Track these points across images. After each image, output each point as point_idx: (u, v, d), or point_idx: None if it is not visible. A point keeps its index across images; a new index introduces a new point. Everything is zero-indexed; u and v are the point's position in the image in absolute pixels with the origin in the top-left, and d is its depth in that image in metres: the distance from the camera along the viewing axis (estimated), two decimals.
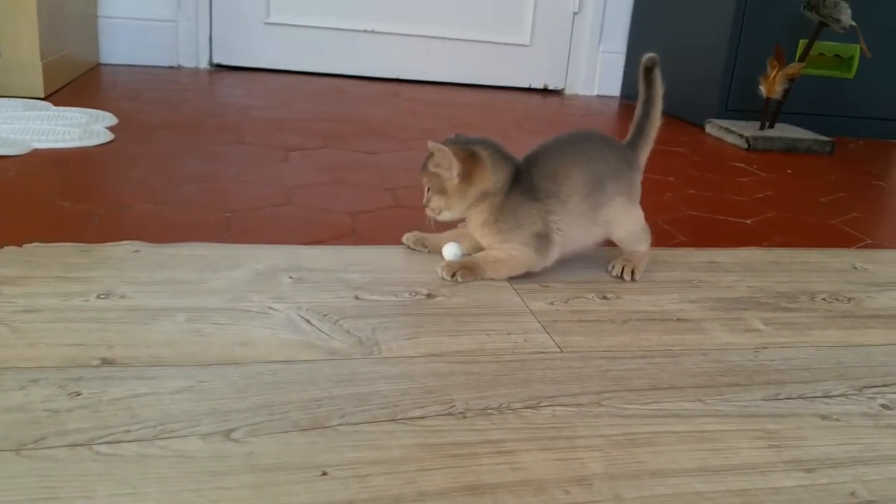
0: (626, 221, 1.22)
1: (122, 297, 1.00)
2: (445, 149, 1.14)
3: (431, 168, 1.17)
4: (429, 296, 1.10)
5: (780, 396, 0.92)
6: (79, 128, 1.82)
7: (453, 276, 1.16)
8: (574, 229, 1.19)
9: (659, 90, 1.27)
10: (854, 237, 1.60)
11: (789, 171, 2.17)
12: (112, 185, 1.47)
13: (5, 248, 1.12)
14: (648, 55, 1.25)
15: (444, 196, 1.17)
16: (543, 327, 1.04)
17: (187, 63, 2.94)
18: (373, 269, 1.18)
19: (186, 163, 1.67)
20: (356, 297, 1.07)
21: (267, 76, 2.94)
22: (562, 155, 1.19)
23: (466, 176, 1.15)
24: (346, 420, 0.78)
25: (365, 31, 3.05)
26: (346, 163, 1.80)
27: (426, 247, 1.27)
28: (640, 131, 1.27)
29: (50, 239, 1.17)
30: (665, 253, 1.37)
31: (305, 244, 1.26)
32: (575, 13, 3.22)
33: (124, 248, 1.16)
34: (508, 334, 1.01)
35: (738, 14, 2.57)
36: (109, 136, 1.79)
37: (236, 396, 0.80)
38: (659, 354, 0.99)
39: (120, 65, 2.85)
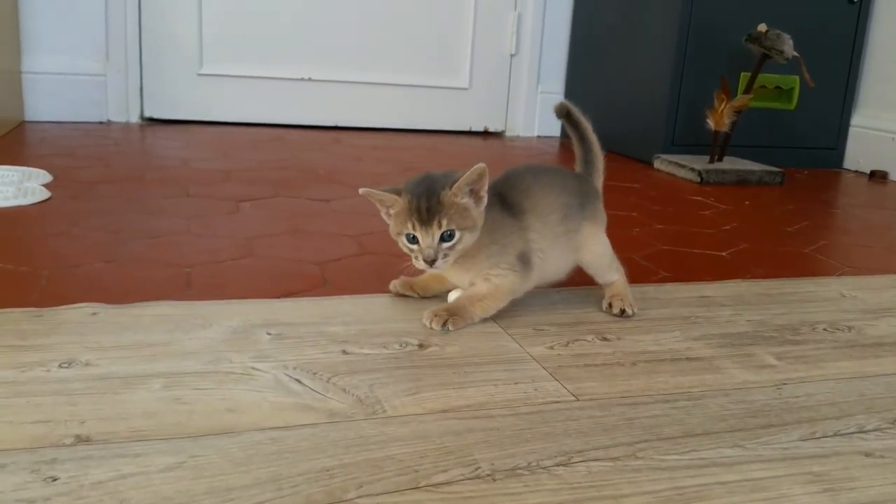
0: (595, 246, 1.19)
1: (87, 364, 0.88)
2: (475, 173, 1.02)
3: (458, 201, 1.03)
4: (420, 346, 1.02)
5: (817, 435, 0.86)
6: (12, 186, 1.69)
7: (444, 325, 1.07)
8: (553, 252, 1.14)
9: (586, 124, 1.26)
10: (830, 265, 1.57)
11: (747, 202, 2.16)
12: (56, 244, 1.35)
13: None
14: (557, 104, 1.26)
15: (472, 231, 1.05)
16: (550, 374, 0.96)
17: (117, 118, 2.81)
18: (356, 320, 1.09)
19: (132, 218, 1.56)
20: (344, 352, 0.98)
21: (201, 128, 2.83)
22: (535, 175, 1.16)
23: (480, 196, 1.06)
24: (365, 491, 0.69)
25: (301, 80, 2.98)
26: (302, 211, 1.71)
27: (416, 291, 1.20)
28: (589, 164, 1.27)
29: None
30: (652, 289, 1.32)
31: (276, 297, 1.16)
32: (512, 55, 3.20)
33: (81, 310, 1.04)
34: (516, 383, 0.93)
35: (680, 49, 2.58)
36: (46, 194, 1.67)
37: (236, 471, 0.70)
38: (681, 398, 0.92)
39: (46, 122, 2.70)
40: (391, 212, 1.07)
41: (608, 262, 1.21)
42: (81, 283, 1.16)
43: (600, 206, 1.23)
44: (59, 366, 0.88)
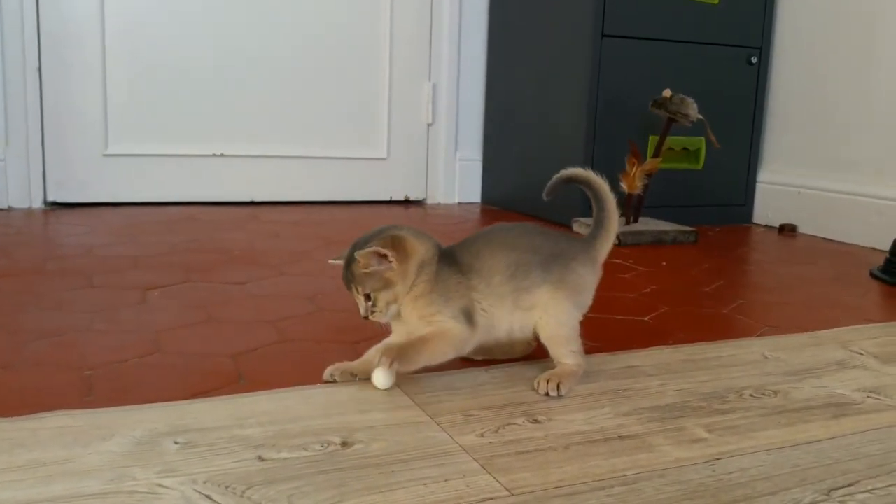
0: (554, 310, 1.17)
1: None
2: (372, 248, 1.10)
3: (363, 272, 1.12)
4: (344, 444, 0.96)
5: None
6: None
7: (391, 364, 1.11)
8: (499, 311, 1.15)
9: (599, 183, 1.27)
10: (750, 325, 1.58)
11: (664, 263, 2.17)
12: None
13: None
14: (557, 176, 1.30)
15: (390, 287, 1.13)
16: (482, 466, 0.92)
17: (18, 204, 2.71)
18: (272, 419, 1.03)
19: (30, 316, 1.47)
20: (260, 458, 0.92)
21: (109, 210, 2.74)
22: (488, 237, 1.20)
23: (402, 256, 1.12)
24: None
25: (214, 156, 2.92)
26: (215, 297, 1.64)
27: (355, 375, 1.17)
28: (598, 224, 1.27)
29: None
30: None
31: (186, 399, 1.09)
32: (429, 125, 3.21)
33: None
34: (446, 481, 0.88)
35: (591, 116, 2.62)
36: None
37: None
38: (616, 483, 0.89)
39: None
40: None
41: (566, 335, 1.18)
42: None
43: (578, 269, 1.19)
44: None
